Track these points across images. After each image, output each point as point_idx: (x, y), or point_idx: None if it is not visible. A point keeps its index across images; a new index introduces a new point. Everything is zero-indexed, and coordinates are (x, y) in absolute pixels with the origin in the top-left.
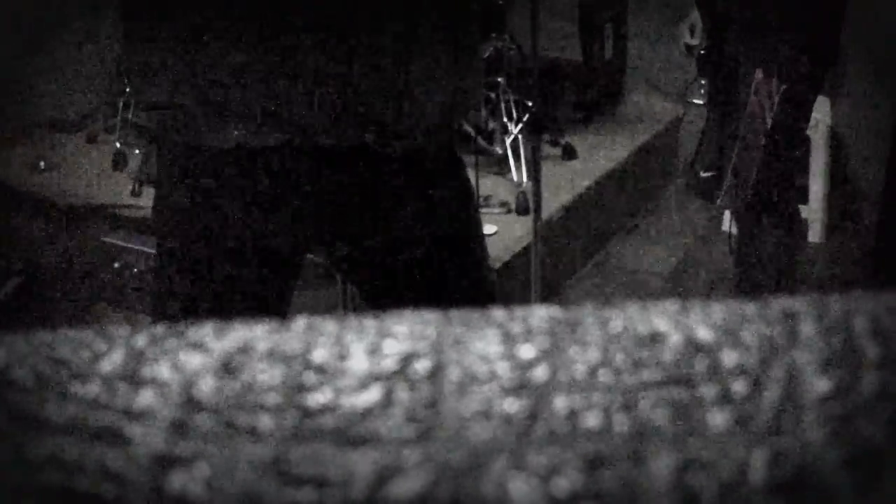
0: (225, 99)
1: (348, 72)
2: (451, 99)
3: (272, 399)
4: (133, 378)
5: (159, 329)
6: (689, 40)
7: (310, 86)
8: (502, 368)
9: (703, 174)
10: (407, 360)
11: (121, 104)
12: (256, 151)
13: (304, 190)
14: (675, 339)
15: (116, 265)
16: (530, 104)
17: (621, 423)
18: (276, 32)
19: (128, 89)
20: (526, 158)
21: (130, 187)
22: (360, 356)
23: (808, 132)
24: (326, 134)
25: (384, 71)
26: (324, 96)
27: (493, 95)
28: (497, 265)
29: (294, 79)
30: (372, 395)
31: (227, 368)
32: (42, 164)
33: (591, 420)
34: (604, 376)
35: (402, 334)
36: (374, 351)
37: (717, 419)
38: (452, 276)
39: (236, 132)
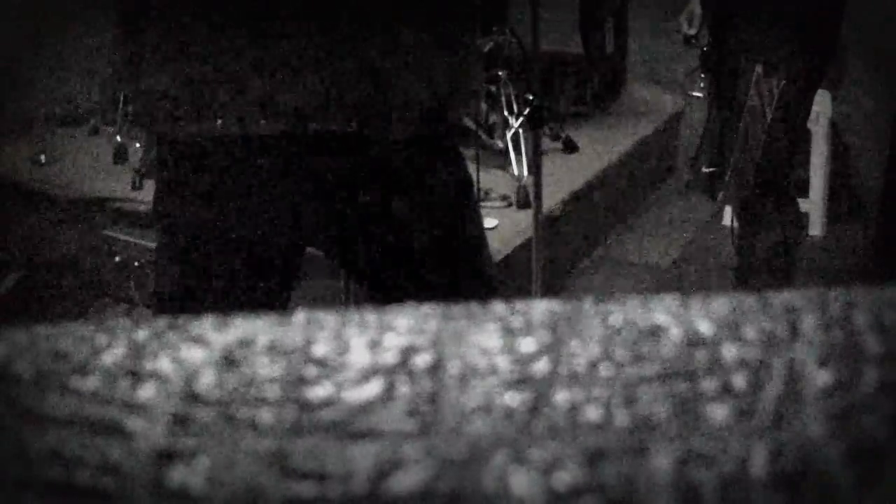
0: (212, 87)
1: (337, 59)
2: (444, 88)
3: (273, 392)
4: (134, 371)
5: (160, 322)
6: (686, 30)
7: (296, 72)
8: (503, 362)
9: (706, 170)
10: (407, 353)
11: (121, 97)
12: (251, 141)
13: (303, 181)
14: (675, 332)
15: (117, 259)
16: (531, 98)
17: (622, 416)
18: (263, 20)
19: (122, 83)
20: (526, 152)
21: (131, 181)
22: (360, 350)
23: (809, 125)
24: (312, 122)
25: (369, 57)
26: (312, 84)
27: (493, 89)
28: (498, 259)
29: (280, 65)
30: (372, 388)
31: (228, 362)
32: (43, 157)
33: (592, 414)
34: (604, 370)
35: (403, 328)
36: (374, 344)
37: (718, 413)
38: (453, 269)
39: (221, 121)
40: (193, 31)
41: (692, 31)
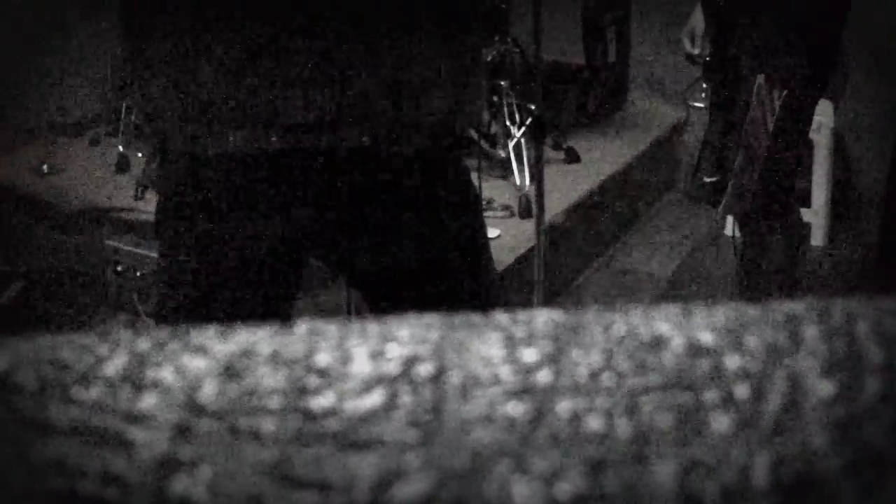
0: (222, 104)
1: (345, 74)
2: (453, 103)
3: (275, 402)
4: (136, 381)
5: (162, 333)
6: (689, 49)
7: (306, 88)
8: (505, 372)
9: (707, 179)
10: (409, 363)
11: (123, 107)
12: (258, 156)
13: (308, 194)
14: (677, 342)
15: (119, 269)
16: (533, 108)
17: (624, 426)
18: (273, 35)
19: (127, 96)
20: (529, 162)
21: (133, 191)
22: (362, 360)
23: (811, 135)
24: (325, 137)
25: (381, 73)
26: (320, 99)
27: (496, 99)
28: (500, 269)
29: (290, 82)
30: (374, 398)
31: (230, 372)
32: (45, 167)
33: (594, 423)
34: (606, 380)
35: (405, 338)
36: (376, 354)
37: (720, 423)
38: (457, 280)
39: (233, 137)
40: (203, 47)
41: (696, 51)
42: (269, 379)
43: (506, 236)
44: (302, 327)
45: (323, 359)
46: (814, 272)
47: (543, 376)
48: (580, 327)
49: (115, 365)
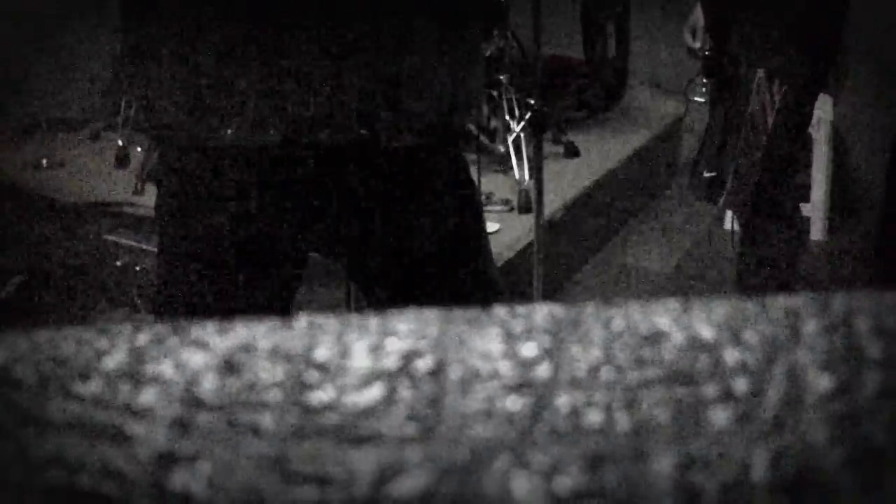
0: (221, 97)
1: (343, 67)
2: (451, 96)
3: (274, 397)
4: (135, 376)
5: (161, 327)
6: (691, 44)
7: (304, 81)
8: (504, 367)
9: (706, 174)
10: (409, 358)
11: (123, 101)
12: (257, 149)
13: (307, 188)
14: (676, 337)
15: (119, 263)
16: (532, 102)
17: (623, 421)
18: (271, 29)
19: (126, 90)
20: (528, 157)
21: (133, 185)
22: (361, 354)
23: (810, 130)
24: (322, 130)
25: (379, 66)
26: (318, 92)
27: (495, 93)
28: (499, 263)
29: (288, 74)
30: (374, 393)
31: (230, 366)
32: (44, 162)
33: (593, 418)
34: (606, 374)
35: (404, 332)
36: (375, 349)
37: (719, 417)
38: (456, 275)
39: (231, 130)
40: (201, 40)
41: (697, 44)
42: (269, 373)
43: (505, 231)
44: (301, 322)
45: (322, 353)
46: (813, 267)
47: (543, 371)
48: (579, 322)
49: (114, 359)
